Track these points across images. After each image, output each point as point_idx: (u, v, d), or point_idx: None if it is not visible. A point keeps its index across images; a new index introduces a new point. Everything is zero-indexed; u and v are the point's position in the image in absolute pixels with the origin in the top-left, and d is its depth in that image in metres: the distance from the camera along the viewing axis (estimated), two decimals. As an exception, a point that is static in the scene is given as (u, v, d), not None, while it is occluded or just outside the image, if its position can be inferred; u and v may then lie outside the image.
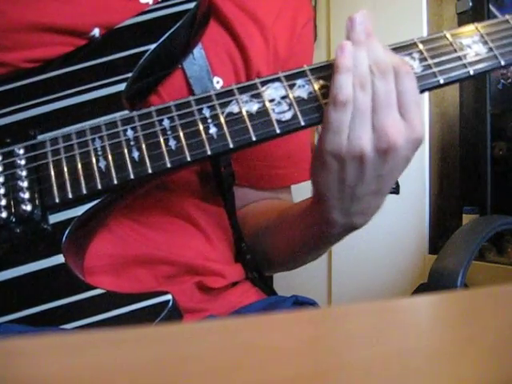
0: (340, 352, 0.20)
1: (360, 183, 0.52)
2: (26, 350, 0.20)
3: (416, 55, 0.55)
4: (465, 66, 0.55)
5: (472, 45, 0.56)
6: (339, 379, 0.17)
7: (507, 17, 0.57)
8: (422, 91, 0.54)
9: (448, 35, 0.56)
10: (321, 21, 2.47)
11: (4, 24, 0.56)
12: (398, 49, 0.55)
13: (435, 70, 0.54)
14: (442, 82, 0.54)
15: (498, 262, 1.72)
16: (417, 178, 2.11)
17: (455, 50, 0.55)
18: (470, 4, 1.88)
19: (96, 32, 0.57)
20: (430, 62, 0.54)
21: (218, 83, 0.62)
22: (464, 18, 1.90)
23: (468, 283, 1.39)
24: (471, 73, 0.55)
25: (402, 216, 2.11)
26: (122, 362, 0.18)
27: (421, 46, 0.55)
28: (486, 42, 0.56)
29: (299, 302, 0.63)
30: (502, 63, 0.55)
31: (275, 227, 0.67)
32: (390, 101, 0.51)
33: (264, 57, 0.65)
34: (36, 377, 0.17)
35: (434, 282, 1.04)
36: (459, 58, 0.55)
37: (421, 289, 1.72)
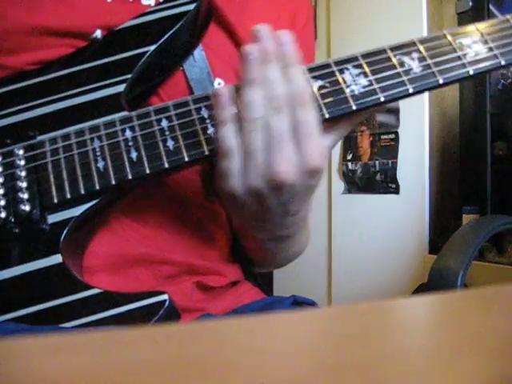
0: (340, 352, 0.20)
1: (262, 213, 0.51)
2: (22, 349, 0.19)
3: (415, 55, 0.54)
4: (464, 65, 0.54)
5: (472, 44, 0.55)
6: (339, 380, 0.17)
7: (507, 16, 0.57)
8: (421, 91, 0.54)
9: (448, 35, 0.55)
10: (321, 21, 2.47)
11: (5, 27, 0.56)
12: (397, 48, 0.54)
13: (435, 69, 0.54)
14: (441, 81, 0.54)
15: (497, 262, 1.72)
16: (417, 178, 2.11)
17: (455, 50, 0.55)
18: (470, 4, 1.88)
19: (98, 34, 0.57)
20: (430, 61, 0.54)
21: (219, 84, 0.62)
22: (464, 18, 1.90)
23: (468, 283, 1.39)
24: (471, 72, 0.54)
25: (402, 216, 2.11)
26: (119, 361, 0.18)
27: (420, 46, 0.54)
28: (485, 42, 0.55)
29: (298, 302, 0.63)
30: (502, 63, 0.55)
31: None
32: (281, 138, 0.47)
33: None
34: (32, 376, 0.17)
35: (434, 282, 1.04)
36: (459, 58, 0.54)
37: (421, 289, 1.72)
